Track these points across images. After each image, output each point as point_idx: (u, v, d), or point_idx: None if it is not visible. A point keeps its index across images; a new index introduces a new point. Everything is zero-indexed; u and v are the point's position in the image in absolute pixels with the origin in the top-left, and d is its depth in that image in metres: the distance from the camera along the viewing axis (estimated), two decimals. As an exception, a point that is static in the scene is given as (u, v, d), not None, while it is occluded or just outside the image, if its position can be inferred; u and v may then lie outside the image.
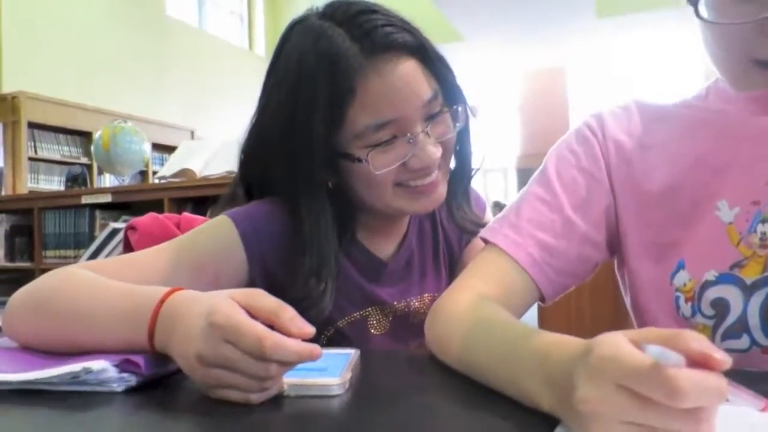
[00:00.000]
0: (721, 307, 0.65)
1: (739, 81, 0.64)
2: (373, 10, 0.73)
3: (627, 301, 0.77)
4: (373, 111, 0.71)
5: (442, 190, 0.78)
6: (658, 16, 6.47)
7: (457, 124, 0.77)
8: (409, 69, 0.71)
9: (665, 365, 0.32)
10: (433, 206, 0.78)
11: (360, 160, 0.72)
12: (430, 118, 0.74)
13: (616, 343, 0.36)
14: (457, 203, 0.85)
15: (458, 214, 0.85)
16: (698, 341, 0.34)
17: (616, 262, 0.78)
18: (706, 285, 0.65)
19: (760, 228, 0.63)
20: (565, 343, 0.45)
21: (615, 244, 0.75)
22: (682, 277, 0.67)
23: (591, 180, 0.73)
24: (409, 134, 0.72)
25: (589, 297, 2.27)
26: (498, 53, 7.84)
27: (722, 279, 0.64)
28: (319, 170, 0.73)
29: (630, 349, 0.35)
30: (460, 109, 0.77)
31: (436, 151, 0.74)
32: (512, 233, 0.71)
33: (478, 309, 0.63)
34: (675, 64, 7.36)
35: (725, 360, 0.33)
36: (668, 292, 0.68)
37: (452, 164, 0.82)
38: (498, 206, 7.89)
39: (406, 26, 0.73)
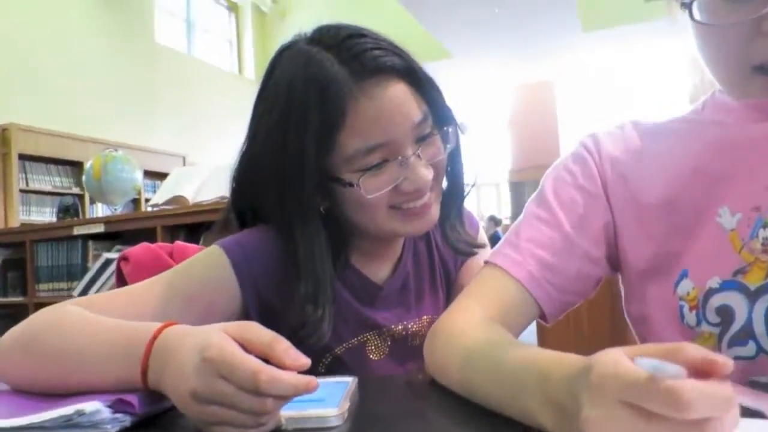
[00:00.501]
0: (726, 314, 0.64)
1: (738, 89, 0.64)
2: (362, 34, 0.73)
3: (629, 314, 0.77)
4: (363, 135, 0.71)
5: (435, 211, 0.78)
6: (643, 28, 6.56)
7: (448, 146, 0.77)
8: (398, 92, 0.72)
9: (663, 378, 0.32)
10: (427, 228, 0.78)
11: (351, 185, 0.72)
12: (421, 140, 0.74)
13: (614, 359, 0.36)
14: (451, 224, 0.85)
15: (452, 235, 0.85)
16: (697, 349, 0.34)
17: (620, 277, 0.77)
18: (710, 293, 0.65)
19: (761, 233, 0.63)
20: (565, 361, 0.44)
21: (615, 260, 0.75)
22: (685, 286, 0.67)
23: (588, 198, 0.73)
24: (400, 157, 0.72)
25: (588, 312, 2.27)
26: (486, 69, 7.92)
27: (726, 286, 0.64)
28: (311, 195, 0.73)
29: (629, 365, 0.35)
30: (450, 130, 0.77)
31: (428, 173, 0.74)
32: (512, 252, 0.72)
33: (477, 330, 0.62)
34: (662, 76, 7.44)
35: (727, 363, 0.33)
36: (672, 302, 0.68)
37: (444, 184, 0.82)
38: (493, 220, 7.92)
39: (394, 49, 0.73)
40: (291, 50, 0.76)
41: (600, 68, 7.97)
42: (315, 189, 0.73)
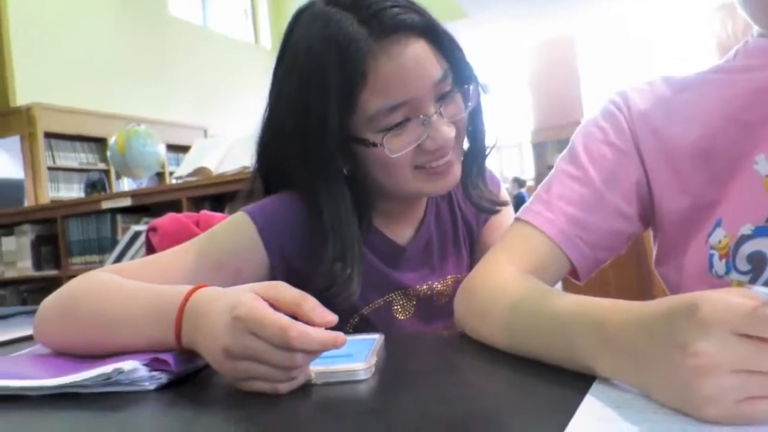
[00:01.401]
0: (758, 261, 0.64)
1: None
2: None
3: (660, 272, 0.76)
4: (385, 93, 0.71)
5: (457, 170, 0.78)
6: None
7: (469, 104, 0.77)
8: (418, 49, 0.71)
9: None
10: (450, 186, 0.78)
11: (375, 145, 0.72)
12: (442, 98, 0.74)
13: (722, 296, 0.36)
14: (473, 182, 0.85)
15: (474, 193, 0.85)
16: None
17: (652, 233, 0.77)
18: (741, 240, 0.64)
19: None
20: (623, 307, 0.45)
21: (648, 216, 0.74)
22: (717, 235, 0.66)
23: (619, 154, 0.72)
24: (422, 116, 0.72)
25: (613, 269, 2.25)
26: (503, 28, 7.74)
27: (759, 232, 0.63)
28: (334, 157, 0.73)
29: (740, 299, 0.36)
30: (471, 88, 0.77)
31: (450, 131, 0.74)
32: (543, 209, 0.71)
33: (519, 280, 0.63)
34: (684, 27, 7.21)
35: None
36: (702, 251, 0.67)
37: (465, 144, 0.82)
38: (517, 181, 7.84)
39: (413, 6, 0.73)
40: (308, 12, 0.75)
41: (621, 21, 7.74)
42: (338, 150, 0.73)
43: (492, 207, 0.86)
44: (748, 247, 0.64)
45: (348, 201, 0.75)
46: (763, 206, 0.63)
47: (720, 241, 0.66)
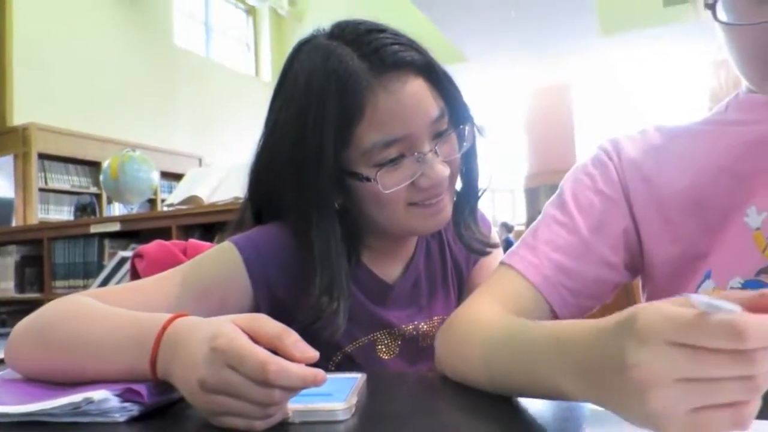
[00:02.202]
0: None
1: (766, 84, 0.63)
2: (381, 29, 0.74)
3: None
4: (381, 128, 0.71)
5: (449, 209, 0.78)
6: (661, 32, 6.51)
7: (464, 144, 0.77)
8: (417, 87, 0.72)
9: (717, 313, 0.32)
10: (440, 225, 0.78)
11: (368, 179, 0.72)
12: (438, 136, 0.74)
13: (658, 306, 0.36)
14: (465, 223, 0.85)
15: (466, 234, 0.84)
16: (747, 291, 0.35)
17: (641, 282, 0.76)
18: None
19: None
20: (579, 324, 0.44)
21: (636, 266, 0.74)
22: (707, 287, 0.66)
23: (608, 202, 0.73)
24: (417, 153, 0.72)
25: (601, 315, 2.24)
26: (502, 73, 7.89)
27: (748, 286, 0.63)
28: (328, 189, 0.73)
29: (675, 308, 0.35)
30: (467, 128, 0.77)
31: (444, 170, 0.74)
32: (528, 254, 0.71)
33: (498, 318, 0.62)
34: (680, 79, 7.37)
35: None
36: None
37: (458, 185, 0.82)
38: (505, 227, 7.87)
39: (413, 45, 0.74)
40: (310, 44, 0.76)
41: (617, 72, 7.91)
42: (332, 183, 0.73)
43: (483, 248, 0.85)
44: None
45: (338, 235, 0.74)
46: (753, 260, 0.63)
47: (709, 294, 0.65)
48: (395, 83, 0.71)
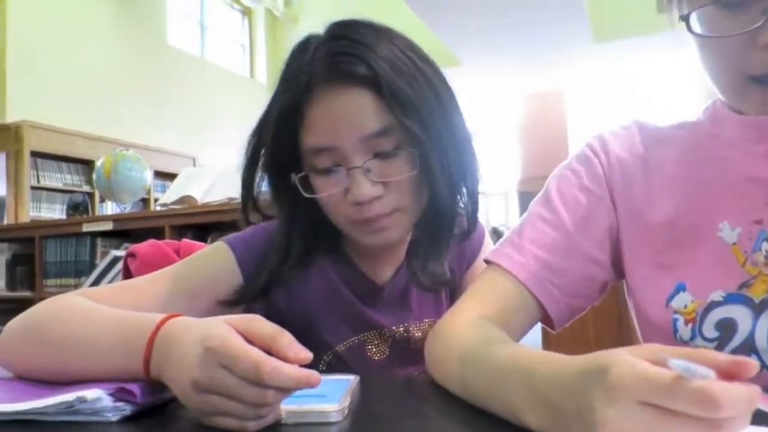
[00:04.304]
0: (727, 327, 0.64)
1: (735, 98, 0.65)
2: (344, 35, 0.72)
3: (635, 322, 0.76)
4: (313, 134, 0.71)
5: (395, 231, 0.74)
6: (654, 39, 6.55)
7: (413, 169, 0.72)
8: (357, 100, 0.69)
9: (691, 378, 0.32)
10: (381, 244, 0.76)
11: (302, 178, 0.73)
12: (379, 155, 0.71)
13: (632, 361, 0.36)
14: (422, 254, 0.77)
15: (417, 264, 0.77)
16: (722, 354, 0.34)
17: (625, 285, 0.77)
18: (711, 306, 0.64)
19: (765, 246, 0.63)
20: (550, 358, 0.45)
21: (620, 264, 0.74)
22: (682, 299, 0.66)
23: (593, 198, 0.73)
24: (347, 166, 0.71)
25: (594, 320, 2.25)
26: (495, 78, 7.92)
27: (730, 299, 0.64)
28: (286, 182, 0.74)
29: (649, 366, 0.35)
30: (422, 152, 0.71)
31: (371, 190, 0.70)
32: (515, 253, 0.71)
33: (475, 329, 0.62)
34: (672, 87, 7.42)
35: (754, 364, 0.33)
36: (665, 314, 0.67)
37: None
38: (496, 233, 7.89)
39: (378, 58, 0.70)
40: (301, 41, 0.76)
41: (610, 78, 7.95)
42: (285, 175, 0.74)
43: (431, 286, 0.78)
44: (717, 314, 0.64)
45: (300, 224, 0.77)
46: (734, 273, 0.64)
47: (686, 306, 0.66)
48: (333, 92, 0.70)
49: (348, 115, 0.70)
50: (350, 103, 0.70)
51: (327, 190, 0.72)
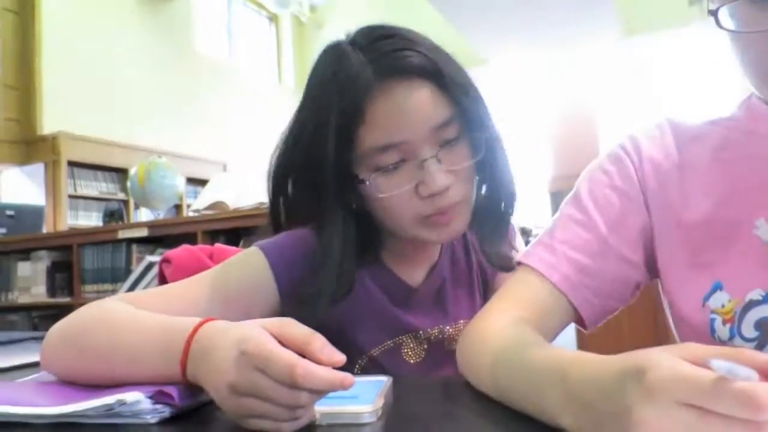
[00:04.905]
0: (767, 327, 0.62)
1: (765, 90, 0.63)
2: (394, 34, 0.73)
3: (670, 322, 0.75)
4: (379, 132, 0.71)
5: (461, 221, 0.75)
6: (684, 32, 6.41)
7: (478, 154, 0.75)
8: (420, 92, 0.71)
9: (734, 380, 0.32)
10: (450, 238, 0.77)
11: (364, 182, 0.72)
12: (445, 144, 0.73)
13: (672, 362, 0.35)
14: (489, 238, 0.80)
15: (490, 250, 0.80)
16: (763, 355, 0.34)
17: (660, 285, 0.76)
18: (750, 305, 0.63)
19: None
20: (587, 360, 0.44)
21: (654, 265, 0.73)
22: (719, 299, 0.65)
23: (625, 199, 0.72)
24: (417, 159, 0.71)
25: (628, 319, 2.21)
26: (522, 75, 7.84)
27: None
28: (336, 192, 0.73)
29: (690, 367, 0.35)
30: (482, 137, 0.74)
31: (445, 179, 0.71)
32: (547, 254, 0.70)
33: (508, 331, 0.62)
34: (705, 81, 7.25)
35: None
36: (702, 314, 0.66)
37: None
38: (524, 233, 7.80)
39: (428, 51, 0.73)
40: (330, 48, 0.77)
41: (640, 73, 7.81)
42: (338, 184, 0.73)
43: (506, 266, 0.80)
44: (756, 313, 0.63)
45: (344, 236, 0.74)
46: None
47: (723, 306, 0.64)
48: (396, 87, 0.70)
49: (416, 108, 0.70)
50: (416, 96, 0.71)
51: (396, 188, 0.72)
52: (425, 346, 0.83)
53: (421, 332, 0.82)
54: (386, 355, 0.81)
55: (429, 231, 0.75)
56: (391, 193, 0.72)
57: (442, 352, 0.83)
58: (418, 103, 0.71)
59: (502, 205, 0.81)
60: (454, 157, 0.73)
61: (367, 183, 0.72)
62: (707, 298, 0.66)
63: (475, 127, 0.74)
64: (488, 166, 0.77)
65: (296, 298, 0.75)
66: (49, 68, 5.37)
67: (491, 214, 0.80)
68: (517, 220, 0.88)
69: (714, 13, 0.59)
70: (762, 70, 0.61)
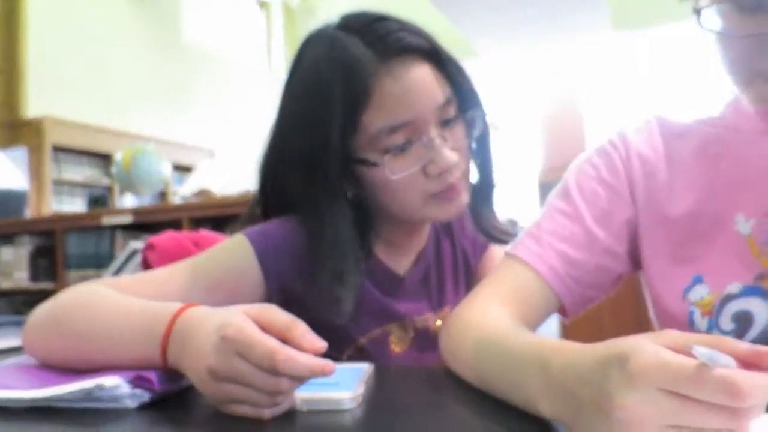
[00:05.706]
0: (744, 320, 0.63)
1: (747, 92, 0.64)
2: (386, 17, 0.74)
3: (651, 314, 0.76)
4: (387, 113, 0.71)
5: (465, 197, 0.78)
6: (675, 28, 6.44)
7: (474, 132, 0.77)
8: (422, 72, 0.72)
9: (714, 367, 0.33)
10: (457, 213, 0.78)
11: (376, 165, 0.72)
12: (446, 123, 0.74)
13: (654, 349, 0.36)
14: (483, 212, 0.84)
15: (486, 224, 0.84)
16: (743, 342, 0.35)
17: (642, 276, 0.77)
18: (728, 298, 0.64)
19: None
20: (568, 348, 0.44)
21: (637, 257, 0.74)
22: (699, 292, 0.66)
23: (611, 192, 0.73)
24: (424, 138, 0.72)
25: (610, 310, 2.23)
26: (513, 67, 7.85)
27: (747, 291, 0.63)
28: (337, 178, 0.73)
29: (672, 354, 0.35)
30: (476, 116, 0.77)
31: (453, 155, 0.73)
32: (533, 245, 0.71)
33: (491, 319, 0.62)
34: (694, 78, 7.29)
35: None
36: (682, 306, 0.67)
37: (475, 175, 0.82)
38: (512, 223, 7.83)
39: (418, 32, 0.74)
40: (317, 35, 0.77)
41: (630, 67, 7.84)
42: (341, 172, 0.73)
43: (502, 237, 0.85)
44: (734, 306, 0.64)
45: (349, 222, 0.75)
46: (750, 266, 0.64)
47: (703, 298, 0.66)
48: (400, 68, 0.71)
49: (422, 87, 0.72)
50: (420, 75, 0.72)
51: (405, 168, 0.72)
52: (412, 335, 0.83)
53: (407, 320, 0.83)
54: (373, 344, 0.81)
55: (438, 208, 0.76)
56: (403, 174, 0.72)
57: (428, 339, 0.84)
58: (423, 82, 0.72)
59: (492, 179, 0.84)
60: (455, 135, 0.75)
61: (380, 165, 0.72)
62: (688, 290, 0.67)
63: (469, 105, 0.77)
64: (479, 145, 0.80)
65: (290, 295, 0.75)
66: (36, 52, 5.30)
67: (483, 189, 0.84)
68: (506, 211, 0.89)
69: (697, 13, 0.60)
70: (743, 72, 0.62)
